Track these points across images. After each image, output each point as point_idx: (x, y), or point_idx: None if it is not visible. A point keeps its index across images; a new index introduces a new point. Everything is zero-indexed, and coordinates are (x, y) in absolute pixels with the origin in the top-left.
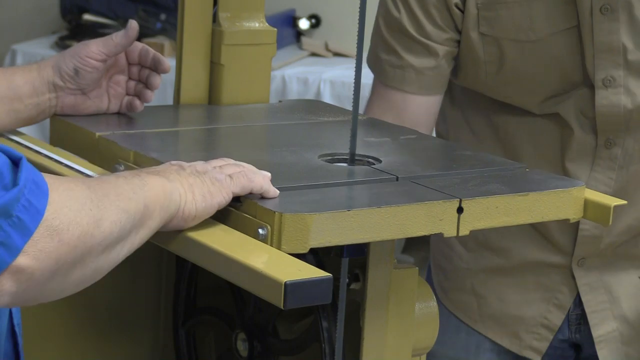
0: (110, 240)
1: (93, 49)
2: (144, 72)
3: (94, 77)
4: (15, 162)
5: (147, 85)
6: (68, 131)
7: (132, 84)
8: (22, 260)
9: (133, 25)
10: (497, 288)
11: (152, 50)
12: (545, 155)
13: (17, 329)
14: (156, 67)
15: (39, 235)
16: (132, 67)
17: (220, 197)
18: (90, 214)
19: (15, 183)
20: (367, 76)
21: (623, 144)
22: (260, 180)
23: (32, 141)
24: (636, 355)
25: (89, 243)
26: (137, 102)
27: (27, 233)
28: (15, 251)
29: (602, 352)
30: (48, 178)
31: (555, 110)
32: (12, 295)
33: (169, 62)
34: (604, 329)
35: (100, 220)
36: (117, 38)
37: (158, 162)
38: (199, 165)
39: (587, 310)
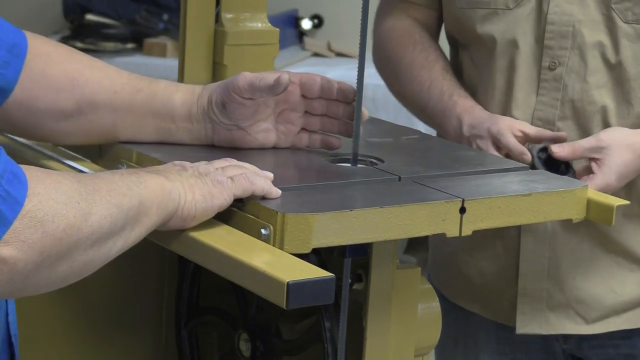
0: (100, 235)
1: (239, 85)
2: (334, 106)
3: (244, 112)
4: None
5: (350, 117)
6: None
7: (315, 120)
8: (5, 250)
9: (282, 80)
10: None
11: (335, 81)
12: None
13: (14, 339)
14: (346, 97)
15: (22, 225)
16: (314, 102)
17: (221, 199)
18: (77, 207)
19: None
20: (370, 76)
21: (567, 63)
22: (261, 182)
23: (35, 141)
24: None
25: (75, 236)
26: (334, 140)
27: (5, 223)
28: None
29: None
30: (35, 171)
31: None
32: None
33: (172, 62)
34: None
35: (88, 214)
36: (262, 84)
37: (160, 162)
38: (201, 166)
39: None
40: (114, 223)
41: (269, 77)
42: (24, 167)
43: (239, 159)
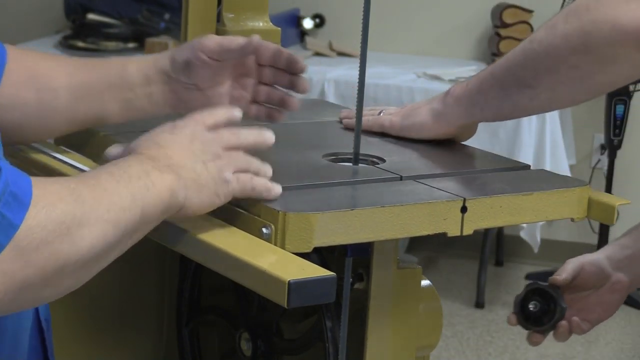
0: (90, 257)
1: (208, 45)
2: (280, 76)
3: (205, 73)
4: None
5: (296, 90)
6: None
7: (263, 89)
8: None
9: (253, 40)
10: None
11: (286, 51)
12: None
13: (44, 324)
14: (290, 68)
15: (3, 255)
16: (265, 70)
17: (223, 200)
18: (66, 233)
19: None
20: (371, 76)
21: None
22: (260, 186)
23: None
24: None
25: (61, 262)
26: (277, 113)
27: (13, 227)
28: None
29: None
30: (36, 189)
31: None
32: None
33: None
34: None
35: (79, 238)
36: (232, 44)
37: None
38: (213, 145)
39: None
40: (108, 242)
41: (237, 38)
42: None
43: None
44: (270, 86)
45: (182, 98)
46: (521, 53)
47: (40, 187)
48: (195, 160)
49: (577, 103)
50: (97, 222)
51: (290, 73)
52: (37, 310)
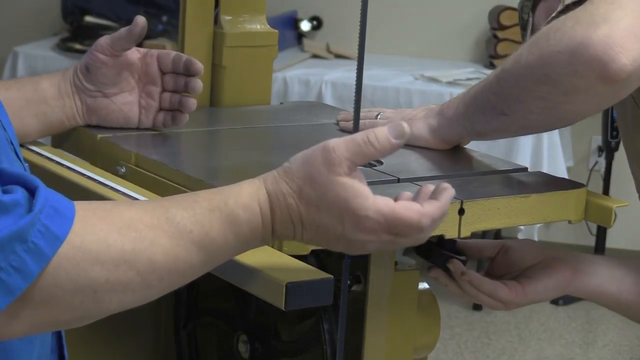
0: (120, 309)
1: (101, 43)
2: (179, 80)
3: (106, 74)
4: (32, 190)
5: (188, 90)
6: (70, 133)
7: (167, 96)
8: (13, 325)
9: (138, 20)
10: None
11: (184, 55)
12: None
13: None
14: (188, 70)
15: (28, 302)
16: (166, 77)
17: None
18: (92, 297)
19: (30, 210)
20: (369, 78)
21: None
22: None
23: (34, 143)
24: None
25: (85, 319)
26: (181, 116)
27: (43, 259)
28: (30, 277)
29: None
30: (79, 221)
31: None
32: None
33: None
34: None
35: (109, 303)
36: (121, 32)
37: (159, 164)
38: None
39: None
40: (146, 299)
41: (125, 28)
42: (79, 206)
43: (237, 160)
44: (171, 92)
45: (91, 107)
46: (495, 81)
47: (81, 229)
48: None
49: (554, 129)
50: (137, 288)
51: (188, 75)
52: None
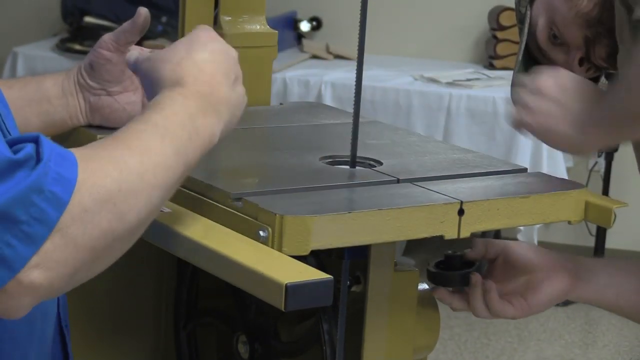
0: (138, 224)
1: (104, 39)
2: None
3: (110, 71)
4: (35, 141)
5: None
6: (70, 133)
7: None
8: (35, 275)
9: (141, 11)
10: None
11: None
12: None
13: (65, 330)
14: None
15: (53, 245)
16: None
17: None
18: (113, 210)
19: (39, 159)
20: (368, 78)
21: None
22: None
23: None
24: None
25: (110, 239)
26: None
27: (62, 205)
28: (51, 224)
29: None
30: (81, 162)
31: None
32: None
33: None
34: None
35: (128, 210)
36: (124, 26)
37: None
38: (235, 62)
39: None
40: (154, 205)
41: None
42: (76, 149)
43: (237, 161)
44: None
45: (94, 106)
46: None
47: (84, 166)
48: (228, 85)
49: None
50: (143, 190)
51: None
52: (59, 316)
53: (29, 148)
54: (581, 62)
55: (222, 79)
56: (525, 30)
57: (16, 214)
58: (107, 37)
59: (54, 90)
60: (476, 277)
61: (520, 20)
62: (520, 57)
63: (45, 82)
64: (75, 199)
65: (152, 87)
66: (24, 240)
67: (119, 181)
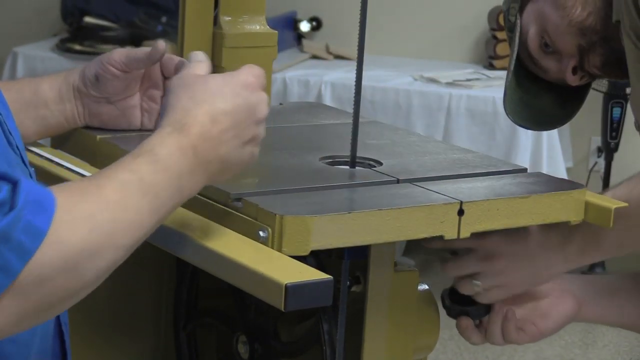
0: (96, 282)
1: (115, 57)
2: None
3: (115, 86)
4: (14, 183)
5: None
6: (70, 134)
7: None
8: (5, 300)
9: (159, 46)
10: None
11: (186, 61)
12: None
13: (64, 327)
14: None
15: (26, 281)
16: (169, 81)
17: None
18: (73, 270)
19: (12, 206)
20: (368, 78)
21: None
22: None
23: (34, 144)
24: None
25: (61, 295)
26: None
27: (27, 254)
28: (13, 274)
29: None
30: (57, 211)
31: None
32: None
33: None
34: None
35: (88, 270)
36: (139, 53)
37: None
38: (252, 125)
39: None
40: (116, 264)
41: (143, 48)
42: (57, 190)
43: None
44: None
45: (93, 112)
46: None
47: (58, 217)
48: (236, 145)
49: None
50: (108, 250)
51: None
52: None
53: (5, 192)
54: (574, 70)
55: (230, 137)
56: (516, 39)
57: None
58: (117, 57)
59: (51, 94)
60: (500, 305)
61: (510, 29)
62: (512, 67)
63: (42, 85)
64: (40, 252)
65: (165, 103)
66: None
67: (86, 241)
